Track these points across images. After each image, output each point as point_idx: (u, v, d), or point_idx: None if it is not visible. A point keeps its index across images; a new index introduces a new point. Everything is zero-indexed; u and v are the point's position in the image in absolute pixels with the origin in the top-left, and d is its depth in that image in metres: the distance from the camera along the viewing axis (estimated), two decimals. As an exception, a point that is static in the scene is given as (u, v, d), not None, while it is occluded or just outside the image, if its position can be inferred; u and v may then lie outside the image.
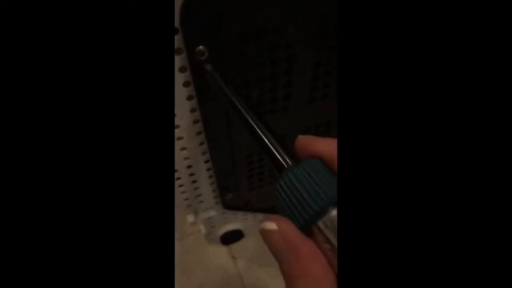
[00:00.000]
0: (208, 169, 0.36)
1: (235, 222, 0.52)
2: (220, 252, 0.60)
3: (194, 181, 0.37)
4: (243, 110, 0.20)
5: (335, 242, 0.13)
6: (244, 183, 0.41)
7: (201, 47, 0.23)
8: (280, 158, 0.16)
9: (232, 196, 0.42)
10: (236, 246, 0.59)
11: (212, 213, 0.46)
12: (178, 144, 0.31)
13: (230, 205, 0.45)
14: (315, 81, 0.31)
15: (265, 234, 0.14)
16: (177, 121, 0.28)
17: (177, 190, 0.37)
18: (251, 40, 0.25)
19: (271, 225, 0.14)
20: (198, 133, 0.30)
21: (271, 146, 0.17)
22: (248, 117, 0.19)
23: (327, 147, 0.15)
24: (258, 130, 0.18)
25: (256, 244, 0.60)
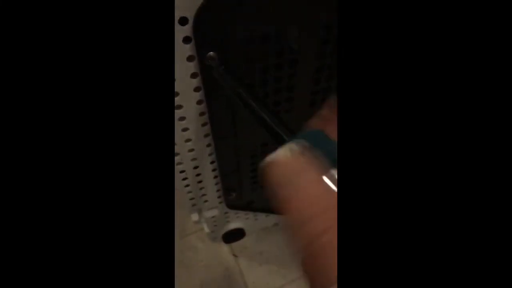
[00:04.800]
0: (214, 170, 0.38)
1: (237, 221, 0.53)
2: (222, 250, 0.61)
3: (199, 181, 0.38)
4: (246, 96, 0.22)
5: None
6: (248, 184, 0.43)
7: (211, 53, 0.24)
8: (282, 134, 0.18)
9: (236, 196, 0.44)
10: (238, 244, 0.60)
11: (216, 212, 0.47)
12: (187, 146, 0.32)
13: (233, 205, 0.46)
14: (316, 85, 0.33)
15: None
16: (187, 124, 0.29)
17: (184, 190, 0.38)
18: (256, 46, 0.26)
19: None
20: (206, 135, 0.32)
21: (273, 124, 0.19)
22: (252, 102, 0.21)
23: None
24: (262, 113, 0.20)
25: (257, 243, 0.61)
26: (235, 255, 0.61)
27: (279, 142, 0.18)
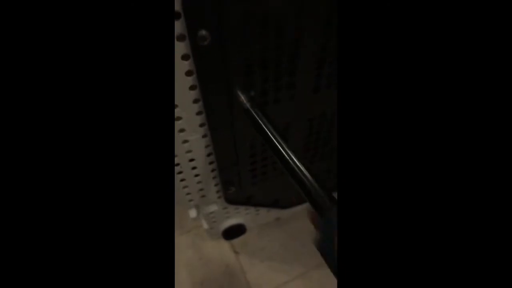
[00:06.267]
0: (211, 163, 0.35)
1: (237, 216, 0.51)
2: (222, 247, 0.59)
3: (196, 175, 0.36)
4: (281, 148, 0.21)
5: None
6: (247, 177, 0.40)
7: (203, 31, 0.22)
8: (318, 198, 0.17)
9: (235, 191, 0.42)
10: (238, 240, 0.58)
11: (214, 207, 0.45)
12: (180, 137, 0.29)
13: (232, 200, 0.44)
14: (319, 69, 0.30)
15: None
16: (179, 112, 0.27)
17: (179, 185, 0.36)
18: (254, 25, 0.23)
19: None
20: (201, 125, 0.29)
21: (309, 185, 0.17)
22: (286, 155, 0.20)
23: None
24: (296, 168, 0.19)
25: (258, 239, 0.60)
26: (236, 252, 0.59)
27: (315, 207, 0.17)
